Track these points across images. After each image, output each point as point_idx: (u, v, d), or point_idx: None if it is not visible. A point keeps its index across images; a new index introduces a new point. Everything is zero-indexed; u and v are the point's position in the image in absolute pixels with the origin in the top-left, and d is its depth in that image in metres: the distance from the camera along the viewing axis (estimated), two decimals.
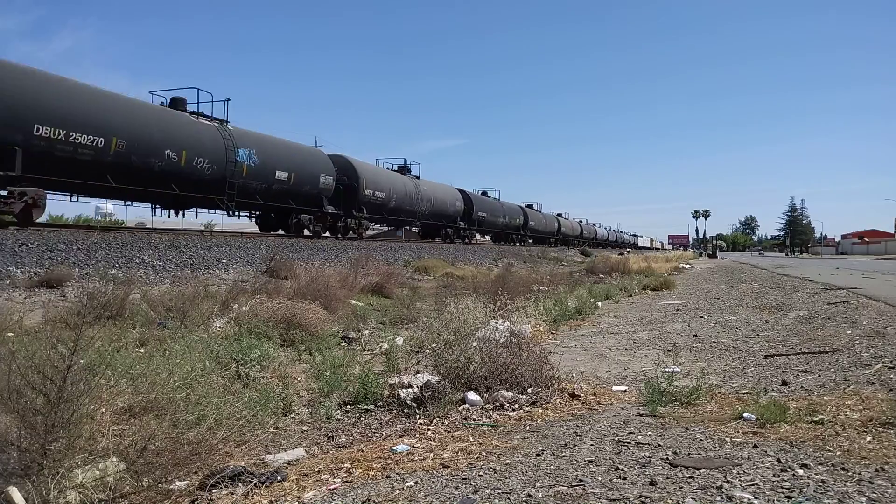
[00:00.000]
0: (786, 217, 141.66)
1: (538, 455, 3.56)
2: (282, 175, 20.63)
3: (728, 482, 2.98)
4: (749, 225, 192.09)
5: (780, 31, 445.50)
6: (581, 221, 69.29)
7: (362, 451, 3.93)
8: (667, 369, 5.38)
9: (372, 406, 5.01)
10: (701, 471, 3.15)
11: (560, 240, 56.93)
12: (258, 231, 23.25)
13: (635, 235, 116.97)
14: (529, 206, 51.60)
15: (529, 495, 2.91)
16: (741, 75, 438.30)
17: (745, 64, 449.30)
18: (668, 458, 3.37)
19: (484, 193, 42.59)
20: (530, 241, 49.50)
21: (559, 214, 61.24)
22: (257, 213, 22.53)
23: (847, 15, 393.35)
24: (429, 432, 4.28)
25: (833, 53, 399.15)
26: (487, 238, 45.80)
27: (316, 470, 3.58)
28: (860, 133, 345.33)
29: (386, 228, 35.40)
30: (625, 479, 3.09)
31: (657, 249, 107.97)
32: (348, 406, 5.08)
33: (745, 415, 4.17)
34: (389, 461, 3.64)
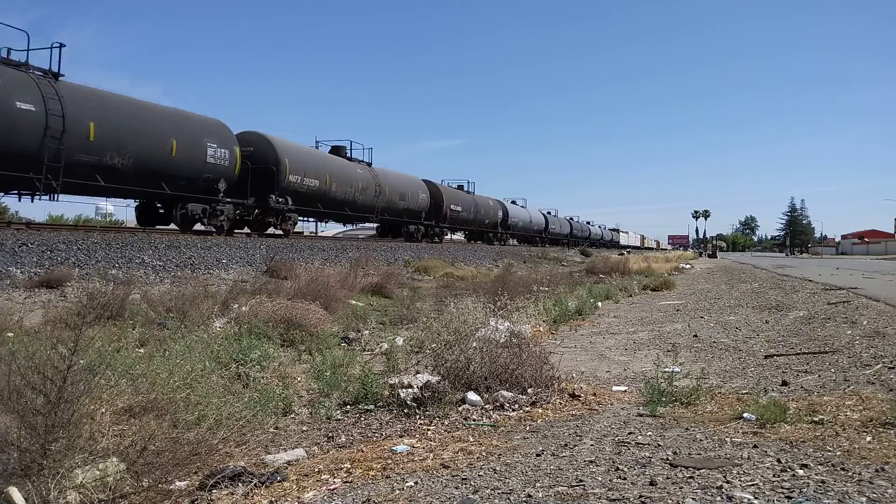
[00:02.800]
0: (786, 217, 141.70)
1: (538, 455, 3.56)
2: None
3: (728, 482, 2.98)
4: (749, 225, 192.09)
5: (780, 30, 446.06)
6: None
7: (362, 451, 3.93)
8: (667, 369, 5.38)
9: (372, 406, 5.00)
10: (701, 471, 3.15)
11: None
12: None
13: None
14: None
15: (529, 495, 2.91)
16: (741, 75, 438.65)
17: (745, 63, 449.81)
18: (668, 459, 3.38)
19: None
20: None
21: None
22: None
23: (847, 15, 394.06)
24: (429, 432, 4.28)
25: (833, 53, 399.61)
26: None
27: (316, 470, 3.58)
28: (861, 133, 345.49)
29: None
30: (625, 479, 3.09)
31: (652, 249, 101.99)
32: (348, 406, 5.08)
33: (745, 415, 4.17)
34: (389, 461, 3.64)
